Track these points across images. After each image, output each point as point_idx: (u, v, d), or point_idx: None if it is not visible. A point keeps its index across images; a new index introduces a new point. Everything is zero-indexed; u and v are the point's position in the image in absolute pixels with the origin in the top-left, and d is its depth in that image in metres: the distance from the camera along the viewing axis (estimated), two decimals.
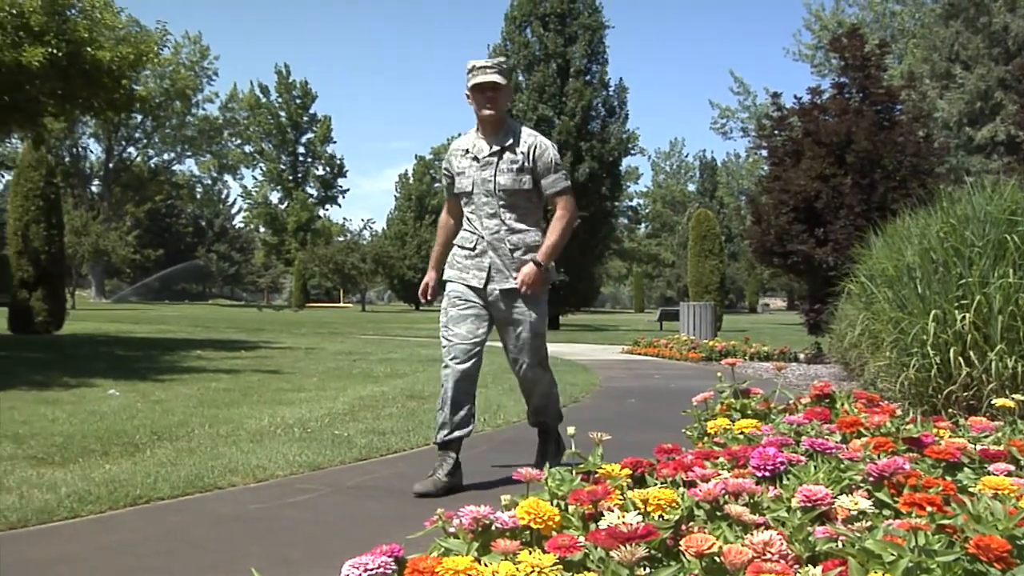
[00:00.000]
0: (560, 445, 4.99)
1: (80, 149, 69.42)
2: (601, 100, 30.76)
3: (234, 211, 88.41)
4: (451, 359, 4.66)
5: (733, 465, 2.67)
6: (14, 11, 13.65)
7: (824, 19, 40.35)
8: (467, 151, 4.61)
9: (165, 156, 74.14)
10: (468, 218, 4.64)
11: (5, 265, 20.57)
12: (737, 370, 4.27)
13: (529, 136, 4.54)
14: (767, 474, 2.54)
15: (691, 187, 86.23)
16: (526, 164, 4.47)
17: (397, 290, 67.62)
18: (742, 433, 3.22)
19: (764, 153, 17.08)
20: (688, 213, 61.21)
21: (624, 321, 40.61)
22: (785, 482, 2.50)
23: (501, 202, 4.51)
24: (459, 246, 4.69)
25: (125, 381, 9.69)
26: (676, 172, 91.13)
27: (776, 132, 16.07)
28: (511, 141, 4.50)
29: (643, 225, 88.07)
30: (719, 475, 2.39)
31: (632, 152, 48.57)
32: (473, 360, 4.68)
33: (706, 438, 3.44)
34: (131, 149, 71.14)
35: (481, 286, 4.56)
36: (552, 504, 2.13)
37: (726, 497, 2.21)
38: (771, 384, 5.32)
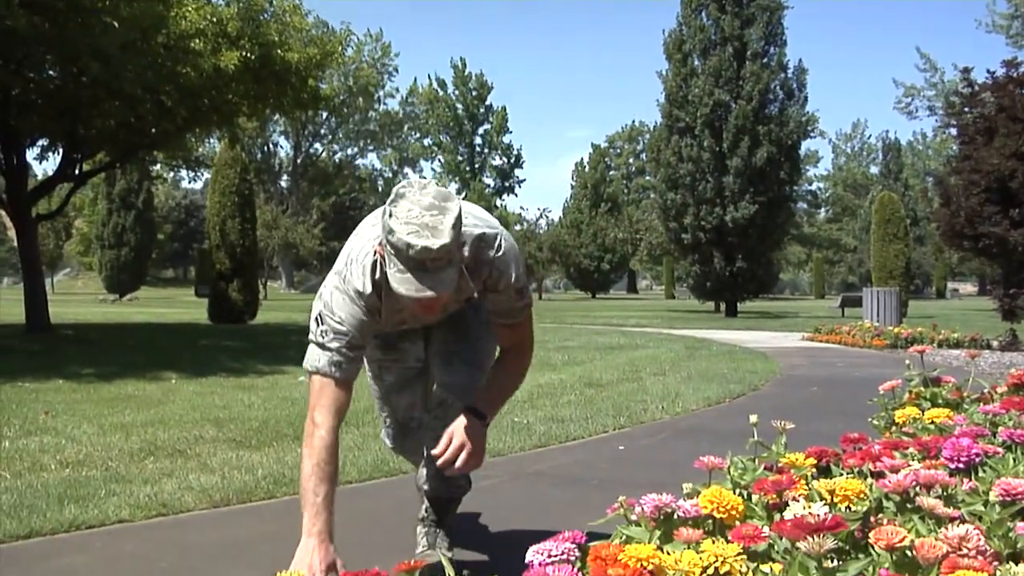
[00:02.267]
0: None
1: (270, 146, 72.70)
2: (779, 83, 29.89)
3: None
4: None
5: (924, 456, 2.58)
6: (214, 19, 14.44)
7: None
8: (392, 300, 2.57)
9: (349, 151, 76.95)
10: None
11: (206, 258, 21.79)
12: (925, 358, 4.10)
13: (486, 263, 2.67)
14: (961, 466, 2.44)
15: (874, 169, 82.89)
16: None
17: (573, 278, 67.78)
18: (933, 423, 3.09)
19: (953, 132, 16.27)
20: (871, 196, 58.88)
21: (804, 308, 39.51)
22: (981, 475, 2.40)
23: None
24: None
25: None
26: (858, 154, 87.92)
27: (966, 109, 15.27)
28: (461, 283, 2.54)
29: (823, 209, 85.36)
30: (909, 466, 2.31)
31: (812, 135, 47.14)
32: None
33: (894, 428, 3.33)
34: (317, 145, 74.13)
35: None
36: (735, 493, 2.11)
37: (917, 489, 2.13)
38: (961, 372, 5.09)
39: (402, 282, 2.31)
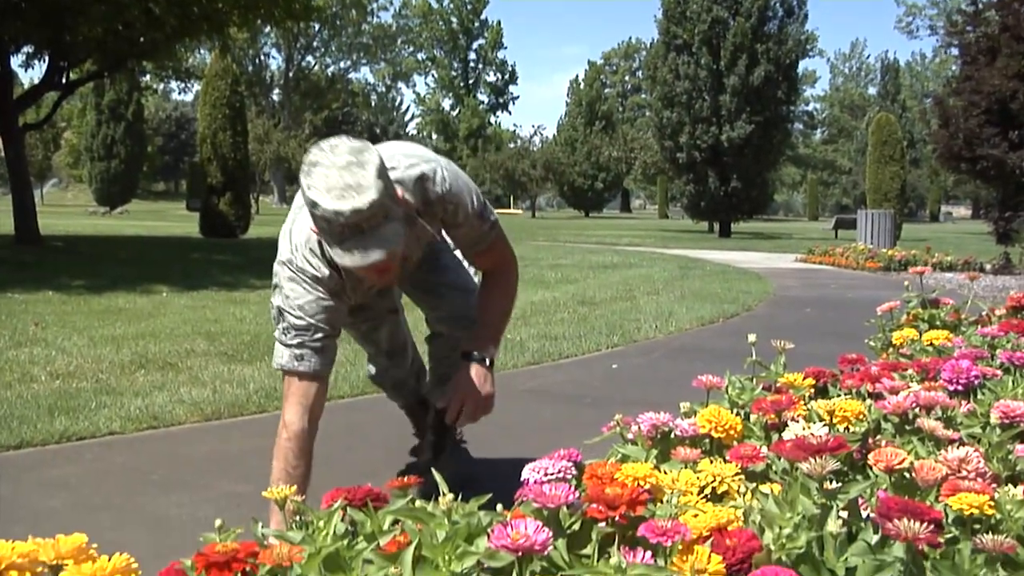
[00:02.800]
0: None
1: (262, 59, 71.72)
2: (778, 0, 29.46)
3: (407, 118, 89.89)
4: None
5: (922, 378, 2.56)
6: None
7: None
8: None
9: (341, 64, 75.96)
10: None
11: (197, 171, 21.62)
12: (916, 281, 4.07)
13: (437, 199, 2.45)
14: (960, 388, 2.42)
15: (871, 90, 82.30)
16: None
17: (567, 196, 67.58)
18: (931, 344, 3.07)
19: (955, 51, 16.06)
20: (867, 118, 58.49)
21: (797, 229, 39.50)
22: (980, 397, 2.38)
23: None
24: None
25: None
26: (855, 75, 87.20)
27: (969, 28, 15.05)
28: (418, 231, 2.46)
29: (819, 130, 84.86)
30: (908, 388, 2.29)
31: (810, 54, 46.64)
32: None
33: (891, 349, 3.31)
34: (309, 58, 73.17)
35: None
36: (732, 413, 2.09)
37: (916, 411, 2.12)
38: (955, 295, 5.07)
39: (346, 255, 2.10)
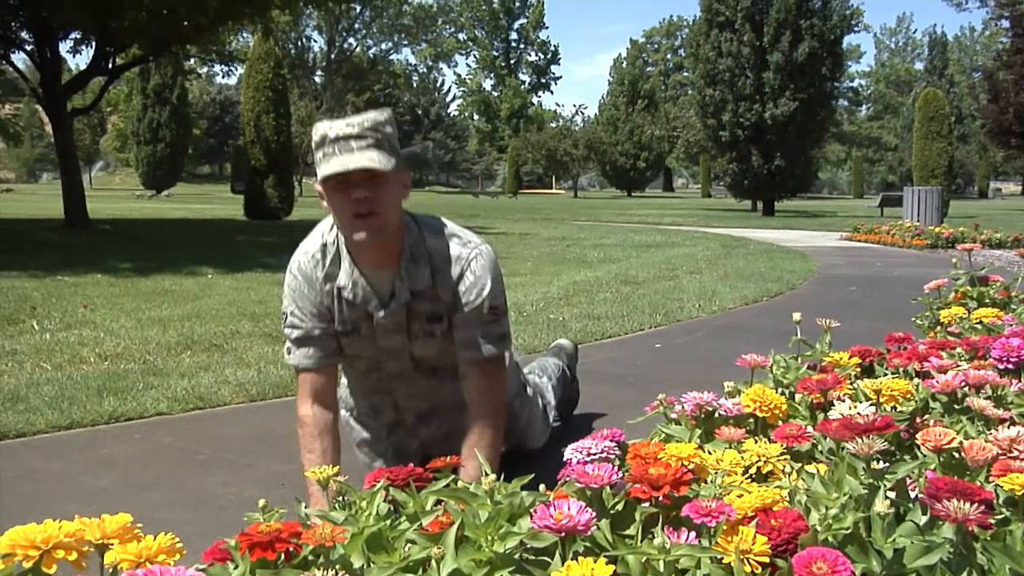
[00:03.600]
0: None
1: (304, 41, 72.02)
2: None
3: (449, 99, 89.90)
4: None
5: (971, 356, 2.52)
6: None
7: None
8: (342, 295, 2.46)
9: (383, 46, 76.20)
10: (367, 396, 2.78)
11: (241, 154, 21.77)
12: (964, 258, 4.00)
13: (456, 259, 2.44)
14: (1010, 367, 2.38)
15: (918, 65, 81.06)
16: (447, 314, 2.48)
17: (609, 176, 67.25)
18: (980, 323, 3.03)
19: (1005, 23, 15.77)
20: (914, 93, 57.53)
21: (842, 207, 39.03)
22: None
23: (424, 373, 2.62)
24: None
25: None
26: (902, 50, 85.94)
27: None
28: (423, 274, 2.43)
29: (864, 107, 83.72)
30: (957, 366, 2.25)
31: (855, 29, 45.94)
32: None
33: (939, 328, 3.26)
34: (351, 40, 73.41)
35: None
36: (777, 392, 2.07)
37: (965, 389, 2.08)
38: (1005, 273, 4.99)
39: (329, 165, 2.25)
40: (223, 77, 68.33)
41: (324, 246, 2.47)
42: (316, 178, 2.33)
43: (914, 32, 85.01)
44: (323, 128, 2.29)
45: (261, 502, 1.49)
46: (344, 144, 2.25)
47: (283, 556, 1.31)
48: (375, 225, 2.30)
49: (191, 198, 42.92)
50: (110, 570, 1.20)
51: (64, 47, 17.04)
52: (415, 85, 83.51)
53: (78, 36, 17.05)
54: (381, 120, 2.31)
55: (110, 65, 17.14)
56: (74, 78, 17.54)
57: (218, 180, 72.21)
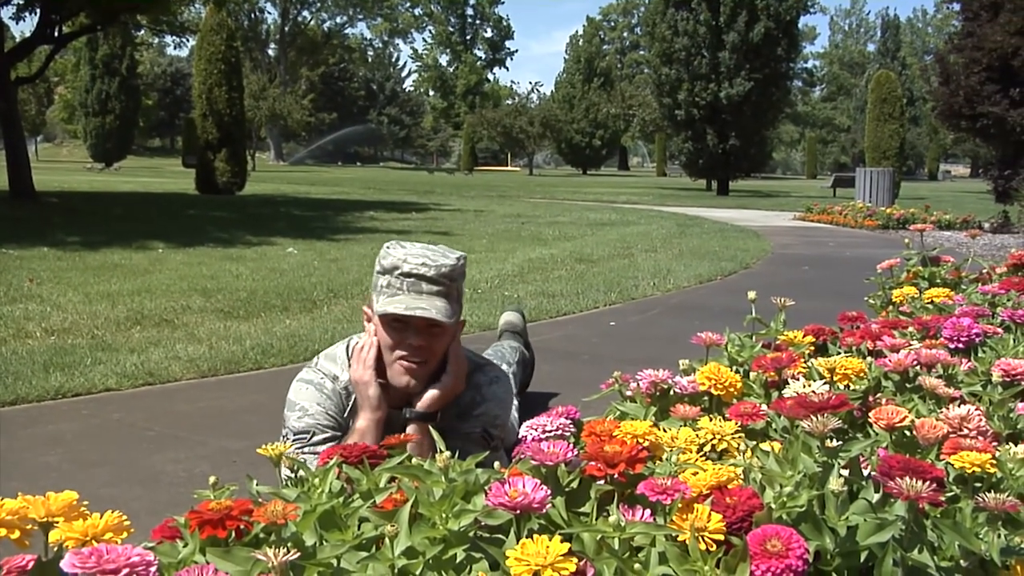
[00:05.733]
0: None
1: (257, 13, 71.01)
2: None
3: (404, 74, 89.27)
4: None
5: (923, 336, 2.54)
6: None
7: None
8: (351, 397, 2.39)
9: (338, 19, 75.39)
10: None
11: (193, 127, 21.47)
12: (916, 238, 4.04)
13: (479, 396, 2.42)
14: (961, 346, 2.41)
15: (871, 47, 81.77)
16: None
17: (564, 154, 67.18)
18: (932, 302, 3.06)
19: (956, 7, 15.92)
20: (867, 75, 58.12)
21: (795, 187, 39.38)
22: (981, 355, 2.37)
23: None
24: None
25: (302, 240, 10.05)
26: (855, 31, 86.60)
27: None
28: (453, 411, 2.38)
29: (818, 88, 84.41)
30: (909, 345, 2.27)
31: (811, 10, 46.18)
32: None
33: (891, 307, 3.30)
34: (305, 13, 72.55)
35: None
36: (732, 370, 2.07)
37: (917, 368, 2.10)
38: (955, 254, 5.04)
39: (392, 302, 2.21)
40: (174, 48, 67.07)
41: (344, 354, 2.40)
42: (375, 304, 2.26)
43: (867, 14, 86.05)
44: (397, 256, 2.25)
45: (212, 479, 1.46)
46: (415, 284, 2.22)
47: (234, 534, 1.29)
48: (422, 375, 2.28)
49: (141, 171, 42.25)
50: (55, 548, 1.17)
51: (6, 13, 16.65)
52: (370, 60, 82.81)
53: (21, 2, 16.64)
54: (458, 268, 2.27)
55: (56, 34, 16.76)
56: (17, 46, 17.13)
57: (169, 154, 71.12)
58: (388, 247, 2.29)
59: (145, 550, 1.10)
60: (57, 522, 1.17)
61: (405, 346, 2.24)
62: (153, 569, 1.07)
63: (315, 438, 2.30)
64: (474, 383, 2.41)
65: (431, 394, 2.28)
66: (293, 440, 2.29)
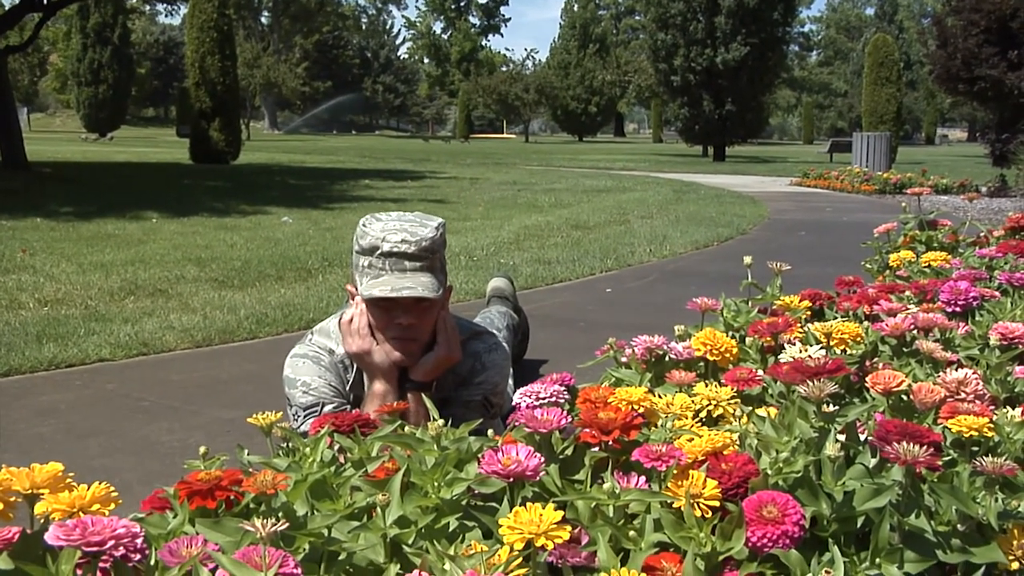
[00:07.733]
0: None
1: None
2: None
3: (398, 42, 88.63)
4: None
5: (920, 299, 2.53)
6: None
7: None
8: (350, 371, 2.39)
9: None
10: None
11: (186, 97, 21.31)
12: (914, 202, 4.02)
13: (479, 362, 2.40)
14: (958, 309, 2.39)
15: (868, 11, 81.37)
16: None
17: (560, 121, 66.90)
18: (929, 266, 3.04)
19: None
20: (864, 39, 57.77)
21: (792, 153, 39.29)
22: (978, 319, 2.35)
23: None
24: None
25: (298, 209, 10.00)
26: None
27: None
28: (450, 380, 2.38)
29: (815, 52, 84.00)
30: (906, 309, 2.26)
31: None
32: None
33: (888, 271, 3.28)
34: None
35: None
36: (728, 336, 2.06)
37: (914, 332, 2.08)
38: (952, 218, 5.04)
39: (377, 284, 2.16)
40: (166, 17, 66.93)
41: (336, 327, 2.34)
42: (359, 286, 2.23)
43: None
44: (375, 235, 2.19)
45: (202, 449, 1.45)
46: (397, 263, 2.18)
47: (224, 504, 1.27)
48: (414, 350, 2.26)
49: (135, 141, 42.08)
50: (41, 520, 1.15)
51: None
52: (364, 27, 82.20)
53: None
54: (438, 239, 2.23)
55: (44, 1, 16.60)
56: (6, 13, 17.00)
57: (163, 123, 70.72)
58: (364, 224, 2.24)
59: (132, 522, 1.09)
60: (42, 494, 1.15)
61: (395, 326, 2.22)
62: (139, 541, 1.06)
63: (327, 408, 2.26)
64: (472, 351, 2.38)
65: (425, 364, 2.26)
66: (304, 417, 2.26)
